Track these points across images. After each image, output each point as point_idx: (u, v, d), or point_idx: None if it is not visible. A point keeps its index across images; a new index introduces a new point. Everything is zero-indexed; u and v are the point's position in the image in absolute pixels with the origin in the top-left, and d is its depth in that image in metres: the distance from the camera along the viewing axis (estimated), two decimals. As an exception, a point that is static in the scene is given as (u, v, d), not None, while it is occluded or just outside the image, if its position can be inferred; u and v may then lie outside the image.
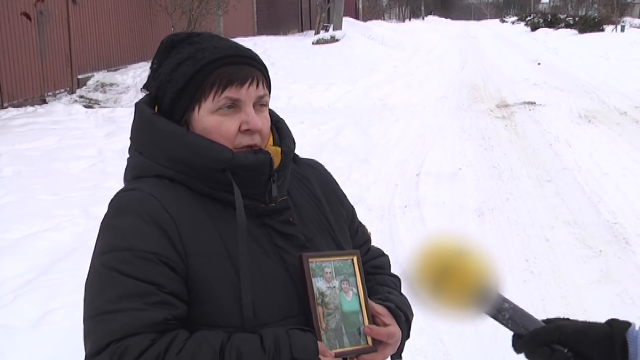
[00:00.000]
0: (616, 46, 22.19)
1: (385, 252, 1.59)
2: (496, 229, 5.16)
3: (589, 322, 1.15)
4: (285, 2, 28.42)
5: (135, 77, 13.19)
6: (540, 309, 3.67)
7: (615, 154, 7.65)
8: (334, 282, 1.28)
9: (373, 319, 1.31)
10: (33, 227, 4.79)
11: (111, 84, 12.90)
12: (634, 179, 6.50)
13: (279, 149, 1.33)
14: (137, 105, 1.34)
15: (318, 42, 19.30)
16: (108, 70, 13.63)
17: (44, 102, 11.11)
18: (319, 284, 1.25)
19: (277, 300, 1.23)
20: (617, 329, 1.10)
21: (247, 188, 1.26)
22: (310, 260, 1.26)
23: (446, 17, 71.24)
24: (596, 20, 32.78)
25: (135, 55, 14.60)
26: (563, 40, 28.19)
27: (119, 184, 1.35)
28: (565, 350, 1.11)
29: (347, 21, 23.89)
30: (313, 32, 24.19)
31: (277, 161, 1.30)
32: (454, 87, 14.05)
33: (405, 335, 1.37)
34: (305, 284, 1.24)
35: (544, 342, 1.12)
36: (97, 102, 11.90)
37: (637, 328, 1.11)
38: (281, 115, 1.46)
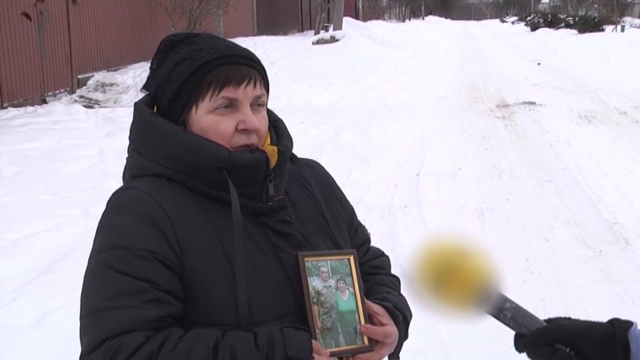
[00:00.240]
0: (616, 46, 22.20)
1: (385, 252, 1.59)
2: (496, 229, 5.16)
3: (590, 322, 1.15)
4: (285, 2, 28.43)
5: (135, 77, 13.19)
6: (540, 309, 3.66)
7: (615, 154, 7.65)
8: (330, 282, 1.28)
9: (370, 318, 1.31)
10: (33, 227, 4.79)
11: (111, 84, 12.90)
12: (634, 179, 6.50)
13: (275, 148, 1.33)
14: (136, 105, 1.35)
15: (318, 42, 19.31)
16: (108, 70, 13.63)
17: (44, 102, 11.11)
18: (314, 283, 1.25)
19: (273, 299, 1.23)
20: (619, 328, 1.10)
21: (243, 187, 1.27)
22: (306, 259, 1.26)
23: (446, 17, 71.30)
24: (596, 20, 32.79)
25: (135, 55, 14.60)
26: (563, 40, 28.20)
27: (119, 184, 1.36)
28: (567, 350, 1.11)
29: (347, 21, 23.92)
30: (313, 32, 24.20)
31: (273, 160, 1.31)
32: (454, 87, 14.05)
33: (403, 335, 1.37)
34: (301, 283, 1.24)
35: (546, 342, 1.12)
36: (97, 102, 11.90)
37: (639, 328, 1.10)
38: (281, 115, 1.46)
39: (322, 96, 12.19)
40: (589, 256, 4.60)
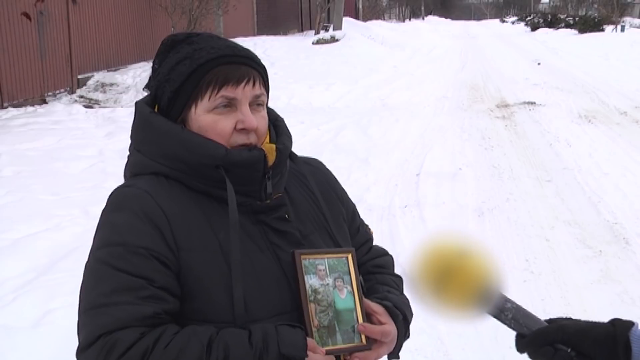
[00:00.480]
0: (616, 46, 22.20)
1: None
2: (496, 229, 5.16)
3: (591, 322, 1.15)
4: (285, 2, 28.43)
5: (135, 77, 13.19)
6: (541, 309, 3.66)
7: (615, 154, 7.65)
8: (327, 280, 1.27)
9: (369, 317, 1.30)
10: (33, 227, 4.79)
11: (111, 84, 12.90)
12: (634, 179, 6.50)
13: (273, 146, 1.33)
14: (136, 104, 1.36)
15: (318, 42, 19.31)
16: (108, 70, 13.63)
17: (44, 102, 11.11)
18: (311, 281, 1.25)
19: (271, 296, 1.24)
20: (620, 328, 1.10)
21: (241, 185, 1.27)
22: (303, 257, 1.26)
23: (446, 17, 71.32)
24: (596, 20, 32.79)
25: (135, 55, 14.60)
26: (563, 40, 28.20)
27: (119, 184, 1.36)
28: (568, 350, 1.11)
29: (347, 21, 23.91)
30: (313, 32, 24.20)
31: (271, 158, 1.31)
32: (454, 87, 14.05)
33: (403, 334, 1.36)
34: (297, 281, 1.24)
35: (547, 342, 1.12)
36: (97, 102, 11.90)
37: (640, 327, 1.10)
38: (281, 115, 1.46)
39: (322, 96, 12.19)
40: (589, 256, 4.60)
